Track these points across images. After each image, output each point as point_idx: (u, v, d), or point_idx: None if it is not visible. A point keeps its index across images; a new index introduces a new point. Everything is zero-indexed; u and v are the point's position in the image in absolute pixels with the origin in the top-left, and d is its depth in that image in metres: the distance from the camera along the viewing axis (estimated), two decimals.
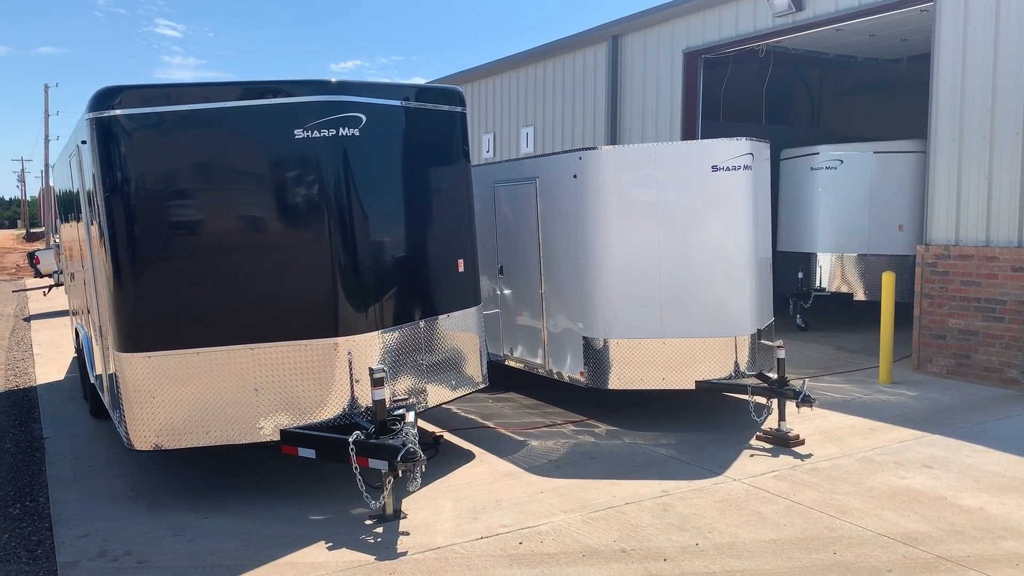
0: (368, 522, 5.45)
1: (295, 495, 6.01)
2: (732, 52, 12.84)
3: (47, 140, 58.45)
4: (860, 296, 12.42)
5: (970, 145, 9.24)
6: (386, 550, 5.03)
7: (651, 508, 5.62)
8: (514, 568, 4.76)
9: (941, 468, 6.35)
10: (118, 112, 5.52)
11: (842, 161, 12.44)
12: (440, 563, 4.84)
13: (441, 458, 6.74)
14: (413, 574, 4.72)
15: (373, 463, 5.33)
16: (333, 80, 5.92)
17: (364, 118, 5.94)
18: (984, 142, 9.10)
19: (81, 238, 7.07)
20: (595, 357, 7.60)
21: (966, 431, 7.31)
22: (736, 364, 7.41)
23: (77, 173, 6.84)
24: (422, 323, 6.44)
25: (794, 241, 13.17)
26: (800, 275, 12.93)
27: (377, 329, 6.04)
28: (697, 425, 7.63)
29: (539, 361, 8.42)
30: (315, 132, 5.75)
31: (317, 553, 5.02)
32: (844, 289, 12.55)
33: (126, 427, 5.75)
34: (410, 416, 5.55)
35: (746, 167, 7.31)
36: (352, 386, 5.91)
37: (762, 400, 7.40)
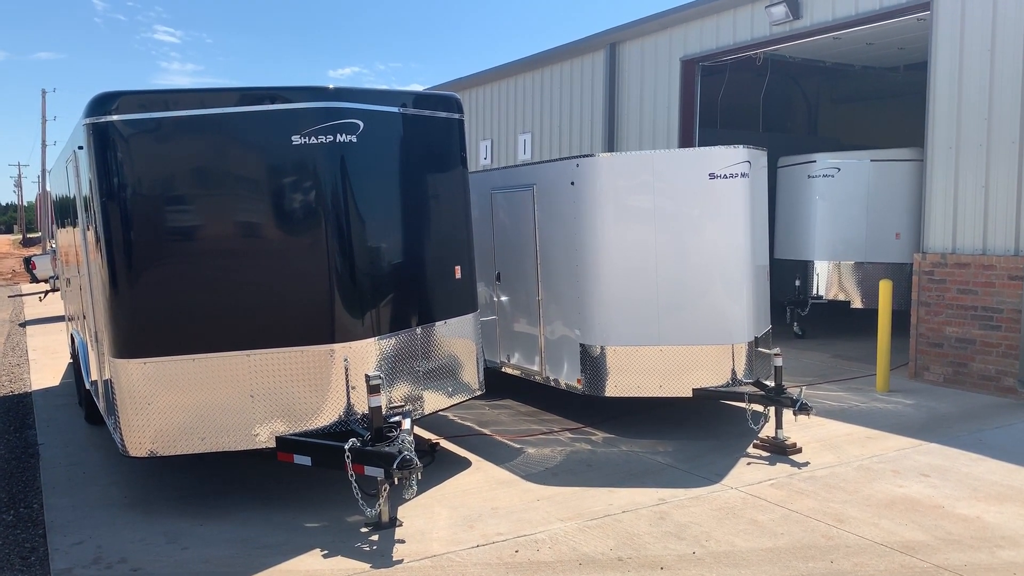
0: (364, 530, 5.43)
1: (290, 502, 5.99)
2: (730, 60, 12.87)
3: (44, 145, 58.44)
4: (857, 304, 12.42)
5: (967, 154, 9.25)
6: (382, 558, 5.00)
7: (648, 516, 5.61)
8: None
9: (938, 477, 6.34)
10: (115, 117, 5.51)
11: (839, 169, 12.46)
12: (436, 571, 4.82)
13: (437, 465, 6.72)
14: None
15: (369, 470, 5.31)
16: (331, 87, 5.92)
17: (362, 124, 5.94)
18: (981, 151, 9.12)
19: (77, 243, 7.05)
20: (592, 364, 7.58)
21: (963, 440, 7.31)
22: (733, 372, 7.41)
23: (74, 178, 6.82)
24: (419, 330, 6.43)
25: (791, 249, 13.18)
26: (797, 283, 12.93)
27: (374, 336, 6.03)
28: (694, 433, 7.62)
29: (536, 368, 8.40)
30: (313, 138, 5.75)
31: (312, 561, 4.99)
32: (841, 297, 12.55)
33: (121, 433, 5.72)
34: (406, 423, 5.54)
35: (743, 175, 7.32)
36: (348, 393, 5.89)
37: (759, 408, 7.39)
